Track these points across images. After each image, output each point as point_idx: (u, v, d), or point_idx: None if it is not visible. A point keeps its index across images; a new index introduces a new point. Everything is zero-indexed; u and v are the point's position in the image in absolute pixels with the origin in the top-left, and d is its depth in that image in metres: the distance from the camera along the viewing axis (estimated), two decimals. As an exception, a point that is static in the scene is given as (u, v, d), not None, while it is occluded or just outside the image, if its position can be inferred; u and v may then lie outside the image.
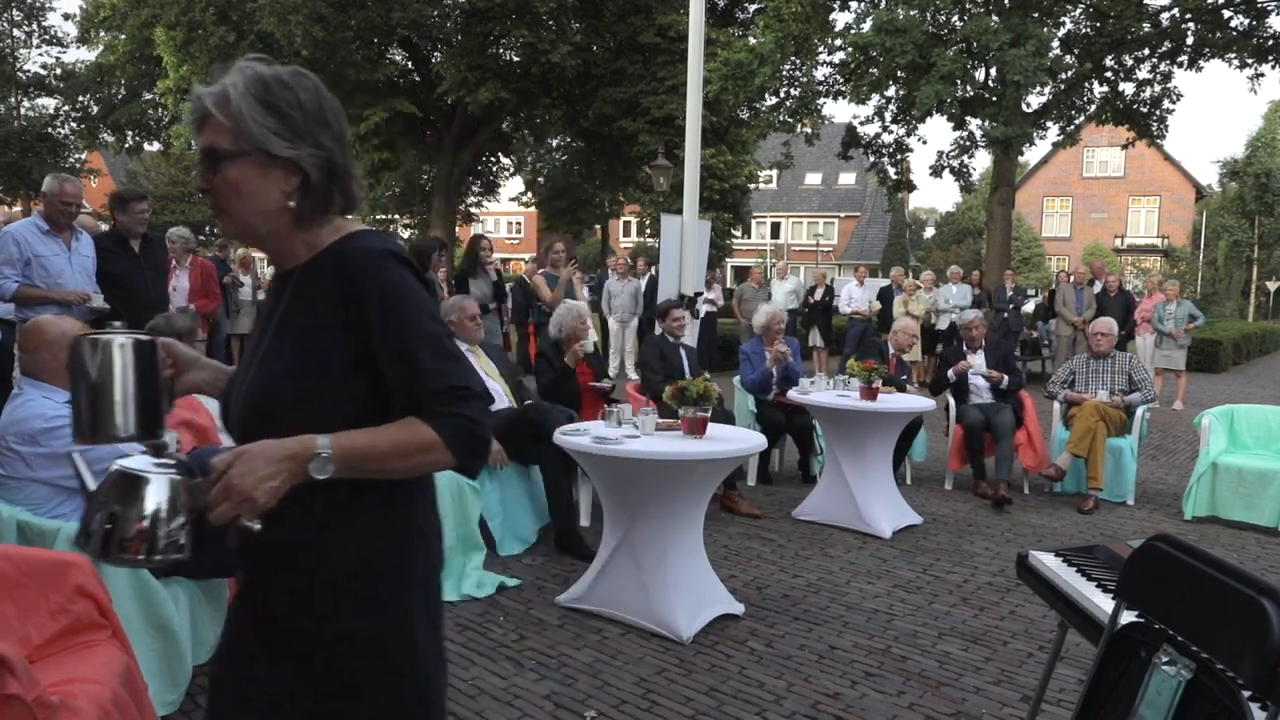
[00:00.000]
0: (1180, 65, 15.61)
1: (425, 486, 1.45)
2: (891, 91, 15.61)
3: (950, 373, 6.45)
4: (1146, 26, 15.09)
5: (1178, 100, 16.20)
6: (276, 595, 1.37)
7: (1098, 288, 11.97)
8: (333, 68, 18.21)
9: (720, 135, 19.02)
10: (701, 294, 8.67)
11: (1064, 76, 15.35)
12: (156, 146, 25.76)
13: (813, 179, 47.33)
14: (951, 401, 6.44)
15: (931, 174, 16.00)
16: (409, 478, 1.36)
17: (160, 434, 1.31)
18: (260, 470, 1.21)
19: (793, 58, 15.56)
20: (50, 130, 26.18)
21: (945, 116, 14.73)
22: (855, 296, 12.92)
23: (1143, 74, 16.11)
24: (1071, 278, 12.55)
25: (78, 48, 24.00)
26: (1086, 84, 16.41)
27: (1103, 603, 2.05)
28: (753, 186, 23.60)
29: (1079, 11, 15.69)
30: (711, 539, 4.67)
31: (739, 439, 3.99)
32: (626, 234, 44.59)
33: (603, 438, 3.72)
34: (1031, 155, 39.69)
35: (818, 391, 5.79)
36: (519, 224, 50.15)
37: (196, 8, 18.10)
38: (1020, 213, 32.63)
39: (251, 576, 1.41)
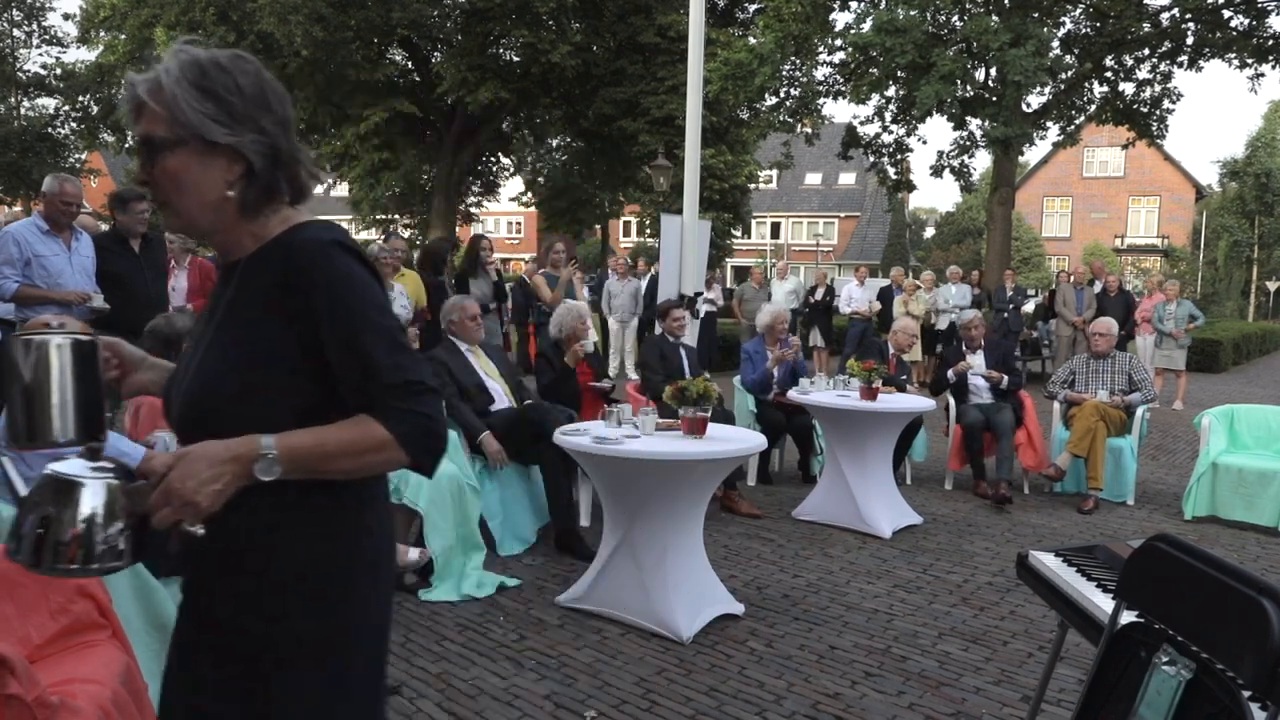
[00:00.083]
0: (1180, 65, 15.62)
1: (374, 486, 1.40)
2: (891, 91, 15.62)
3: (950, 373, 6.45)
4: (1146, 26, 15.10)
5: (1178, 100, 16.22)
6: (221, 599, 1.32)
7: (1098, 288, 11.97)
8: (333, 68, 18.24)
9: (720, 135, 19.03)
10: (701, 294, 8.67)
11: (1064, 76, 15.36)
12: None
13: (813, 179, 47.32)
14: (951, 401, 6.44)
15: (931, 174, 16.02)
16: (359, 478, 1.32)
17: (101, 437, 1.25)
18: (203, 473, 1.17)
19: (793, 58, 15.56)
20: (50, 130, 26.19)
21: (945, 116, 14.74)
22: (855, 296, 12.92)
23: (1143, 74, 16.14)
24: (1071, 278, 12.54)
25: (78, 48, 23.99)
26: (1086, 84, 16.42)
27: (1103, 603, 2.05)
28: (753, 186, 23.60)
29: (1079, 11, 15.69)
30: (711, 539, 4.66)
31: (739, 439, 3.99)
32: (626, 234, 44.58)
33: (603, 438, 3.72)
34: (1031, 155, 39.76)
35: (818, 391, 5.79)
36: (519, 224, 50.10)
37: (196, 8, 18.12)
38: (1020, 213, 32.64)
39: (195, 580, 1.37)
